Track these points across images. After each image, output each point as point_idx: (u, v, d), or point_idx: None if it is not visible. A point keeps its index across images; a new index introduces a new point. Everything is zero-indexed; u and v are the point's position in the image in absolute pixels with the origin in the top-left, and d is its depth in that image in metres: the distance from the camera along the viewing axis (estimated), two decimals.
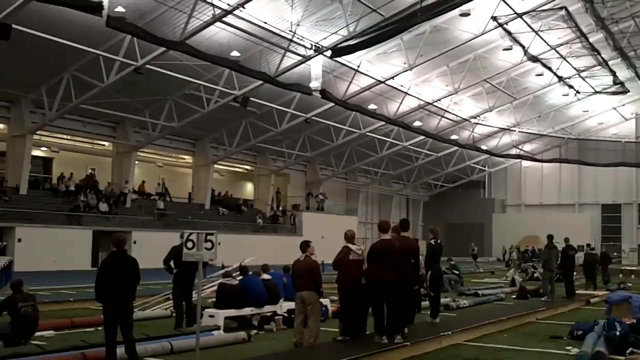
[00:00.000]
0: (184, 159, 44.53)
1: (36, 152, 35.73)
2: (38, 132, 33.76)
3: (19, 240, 29.76)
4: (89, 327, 11.97)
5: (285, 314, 12.94)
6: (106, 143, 39.08)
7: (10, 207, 31.09)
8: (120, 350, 8.80)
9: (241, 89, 32.28)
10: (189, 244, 8.92)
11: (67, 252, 30.92)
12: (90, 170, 38.42)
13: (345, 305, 10.82)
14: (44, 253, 29.79)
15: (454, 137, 49.72)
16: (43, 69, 29.58)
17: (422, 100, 41.74)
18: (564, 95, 47.66)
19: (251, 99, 32.90)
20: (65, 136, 36.68)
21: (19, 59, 27.65)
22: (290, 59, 30.73)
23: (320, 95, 32.74)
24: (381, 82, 36.80)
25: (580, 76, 43.70)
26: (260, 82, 31.06)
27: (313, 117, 38.64)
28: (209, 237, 8.91)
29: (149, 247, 29.64)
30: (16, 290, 10.41)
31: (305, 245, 10.70)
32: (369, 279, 10.36)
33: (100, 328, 8.94)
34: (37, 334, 10.54)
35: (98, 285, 8.45)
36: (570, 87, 45.40)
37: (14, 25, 22.17)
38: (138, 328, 11.46)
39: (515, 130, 53.52)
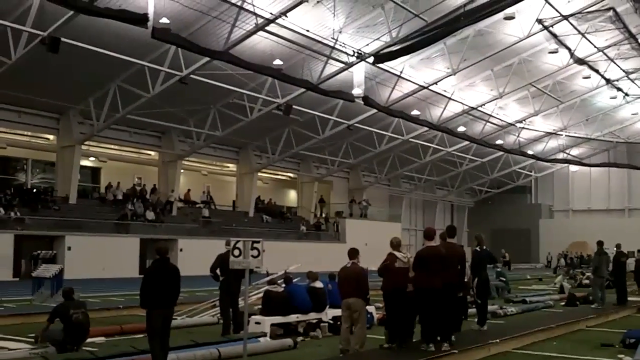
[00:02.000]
0: (228, 167, 44.96)
1: (84, 162, 36.53)
2: (86, 143, 34.47)
3: (69, 248, 30.40)
4: (139, 334, 12.16)
5: (331, 321, 12.93)
6: (152, 152, 39.71)
7: (60, 216, 31.86)
8: (171, 356, 8.98)
9: (284, 97, 32.46)
10: (236, 252, 9.03)
11: (115, 260, 31.47)
12: (137, 179, 39.09)
13: (391, 313, 10.76)
14: (93, 261, 30.37)
15: (499, 142, 49.11)
16: (90, 80, 30.26)
17: (466, 105, 41.38)
18: (612, 98, 46.59)
19: (294, 106, 33.03)
20: (112, 146, 37.40)
21: (68, 71, 28.33)
22: (332, 66, 30.79)
23: (362, 102, 32.71)
24: (424, 87, 36.59)
25: (629, 78, 42.73)
26: (303, 89, 31.19)
27: (356, 124, 38.61)
28: (255, 245, 9.02)
29: (195, 255, 30.09)
30: (68, 297, 10.64)
31: (355, 253, 10.66)
32: (416, 285, 10.29)
33: None
34: (89, 340, 10.74)
35: (143, 292, 8.77)
36: (619, 89, 44.41)
37: (62, 39, 22.83)
38: (186, 334, 11.65)
39: (562, 135, 52.53)
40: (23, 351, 10.13)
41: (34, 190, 33.75)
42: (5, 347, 10.72)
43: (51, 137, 34.74)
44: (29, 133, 34.13)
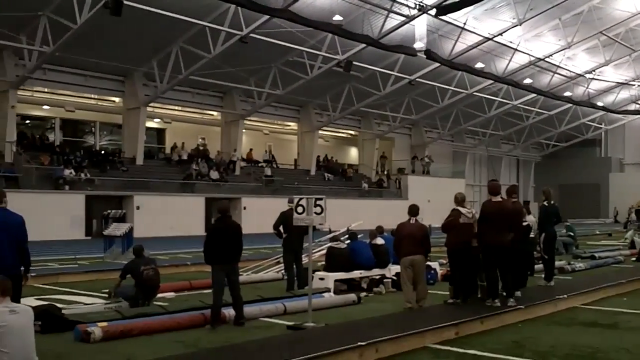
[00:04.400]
0: (289, 125, 45.14)
1: (150, 124, 37.28)
2: (151, 104, 35.14)
3: (138, 207, 31.28)
4: (207, 289, 12.46)
5: (394, 277, 12.95)
6: (215, 113, 40.19)
7: (129, 177, 32.78)
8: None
9: (344, 53, 32.18)
10: (299, 209, 9.12)
11: (182, 218, 32.25)
12: (200, 140, 39.72)
13: (455, 269, 10.69)
14: (161, 219, 31.22)
15: (567, 93, 47.65)
16: (153, 43, 30.67)
17: (532, 56, 40.22)
18: None
19: (354, 63, 32.75)
20: (176, 107, 38.01)
21: (131, 34, 28.76)
22: (393, 20, 30.28)
23: (425, 56, 32.13)
24: (489, 39, 35.68)
25: None
26: (364, 45, 30.85)
27: (418, 79, 38.03)
28: (318, 202, 9.08)
29: (258, 213, 30.57)
30: (138, 254, 10.97)
31: (418, 210, 10.53)
32: (483, 241, 10.17)
33: None
34: (159, 295, 11.09)
35: (207, 248, 9.18)
36: None
37: (124, 2, 23.12)
38: (252, 290, 11.88)
39: (634, 85, 50.56)
40: (97, 305, 10.53)
41: (103, 151, 34.76)
42: (81, 302, 11.18)
43: (117, 99, 35.53)
44: (96, 96, 35.03)
